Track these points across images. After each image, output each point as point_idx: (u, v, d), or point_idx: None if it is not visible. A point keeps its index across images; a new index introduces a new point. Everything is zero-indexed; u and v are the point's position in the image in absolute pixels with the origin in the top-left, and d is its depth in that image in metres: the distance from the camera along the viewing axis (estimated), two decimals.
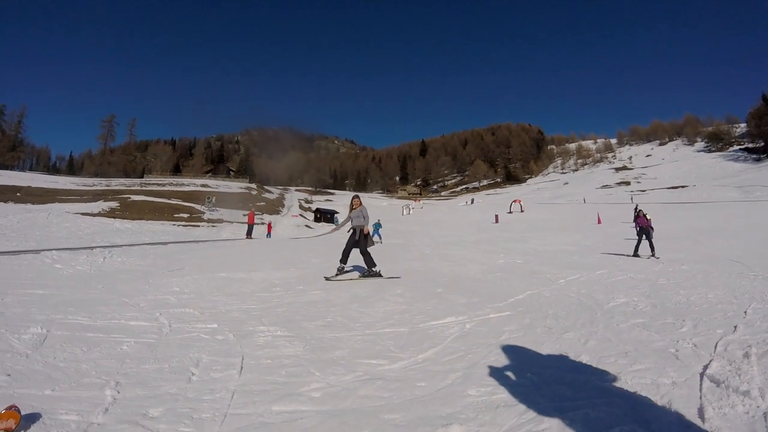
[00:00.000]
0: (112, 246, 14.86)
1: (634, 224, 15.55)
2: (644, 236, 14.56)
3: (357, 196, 10.31)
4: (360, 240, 9.63)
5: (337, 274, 9.36)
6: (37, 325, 4.29)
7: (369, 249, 9.73)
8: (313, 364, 3.63)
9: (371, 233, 23.79)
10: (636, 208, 15.84)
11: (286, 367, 3.55)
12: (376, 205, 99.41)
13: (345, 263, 9.58)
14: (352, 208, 10.11)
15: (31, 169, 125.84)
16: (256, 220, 35.91)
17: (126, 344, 3.97)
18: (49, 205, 49.82)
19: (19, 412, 2.33)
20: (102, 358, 3.59)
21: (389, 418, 2.66)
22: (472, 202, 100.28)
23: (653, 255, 13.35)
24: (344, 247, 9.75)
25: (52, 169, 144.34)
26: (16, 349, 3.63)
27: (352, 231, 9.88)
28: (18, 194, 55.16)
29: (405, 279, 8.95)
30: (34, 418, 2.45)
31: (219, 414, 2.66)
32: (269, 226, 39.48)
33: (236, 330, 4.66)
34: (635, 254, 13.76)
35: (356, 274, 9.68)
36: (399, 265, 11.51)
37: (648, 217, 15.26)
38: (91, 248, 12.95)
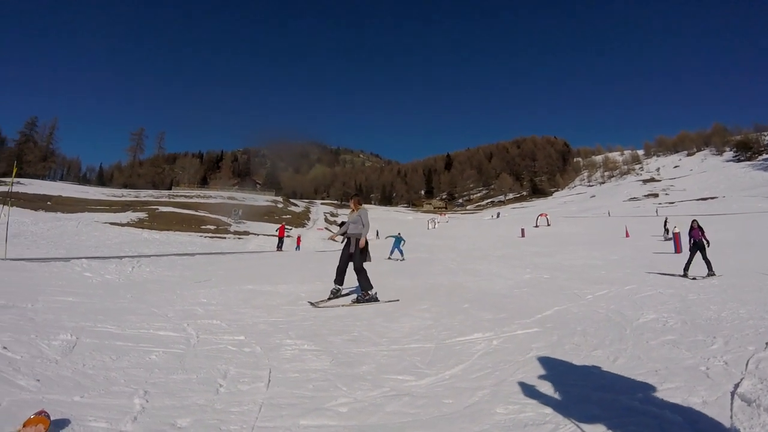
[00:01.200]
0: (141, 256, 15.14)
1: (687, 238, 13.24)
2: (698, 252, 12.61)
3: (356, 195, 8.91)
4: (355, 253, 8.21)
5: (329, 298, 8.04)
6: (66, 332, 4.36)
7: (366, 265, 8.34)
8: (339, 378, 3.62)
9: (392, 249, 22.77)
10: (691, 224, 13.15)
11: (313, 381, 3.54)
12: (401, 219, 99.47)
13: (340, 284, 8.29)
14: (351, 211, 8.65)
15: (62, 179, 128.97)
16: (286, 234, 36.87)
17: (154, 354, 4.01)
18: (79, 214, 51.09)
19: (49, 417, 2.36)
20: (131, 367, 3.63)
21: None
22: (498, 216, 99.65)
23: (711, 273, 11.69)
24: (338, 262, 8.40)
25: (83, 180, 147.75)
26: (45, 355, 3.68)
27: (346, 241, 8.40)
28: (49, 203, 56.63)
29: (431, 294, 8.84)
30: (63, 423, 2.48)
31: (247, 426, 2.66)
32: (298, 239, 40.80)
33: (263, 343, 4.68)
34: (685, 273, 11.79)
35: (353, 297, 8.21)
36: (424, 280, 11.44)
37: (700, 229, 13.06)
38: (120, 258, 13.19)
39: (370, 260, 8.80)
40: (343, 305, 7.47)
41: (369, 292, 7.98)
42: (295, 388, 3.36)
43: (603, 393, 3.13)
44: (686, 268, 12.07)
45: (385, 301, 7.89)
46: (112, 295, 7.19)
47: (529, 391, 3.27)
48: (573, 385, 3.33)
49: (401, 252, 23.00)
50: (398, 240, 23.69)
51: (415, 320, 6.17)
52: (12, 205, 14.52)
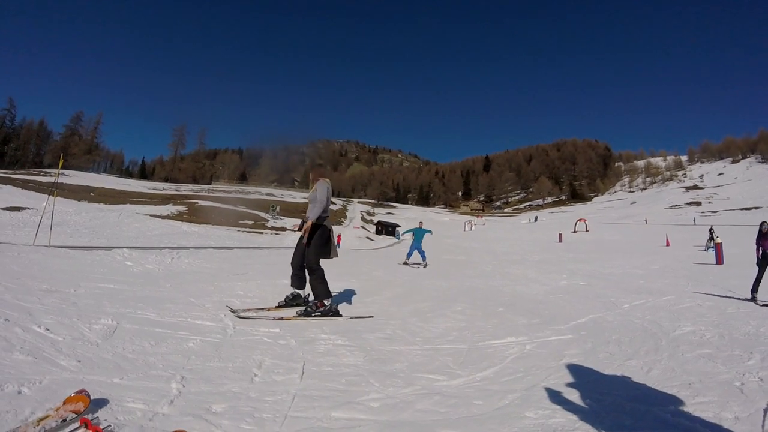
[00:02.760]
0: (180, 248, 15.43)
1: (755, 247, 10.15)
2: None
3: (318, 166, 6.55)
4: (307, 244, 6.17)
5: (280, 305, 6.27)
6: (107, 317, 4.48)
7: (325, 263, 6.33)
8: (372, 374, 3.65)
9: (410, 250, 17.90)
10: (761, 227, 10.23)
11: (346, 375, 3.59)
12: (438, 219, 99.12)
13: (299, 287, 6.38)
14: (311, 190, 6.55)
15: (105, 172, 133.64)
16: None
17: (192, 342, 4.11)
18: (120, 205, 52.49)
19: (89, 396, 2.43)
20: (169, 353, 3.72)
21: None
22: (536, 220, 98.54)
23: None
24: (292, 257, 6.44)
25: (125, 173, 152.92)
26: (87, 337, 3.80)
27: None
28: (92, 194, 58.41)
29: (466, 296, 8.72)
30: (102, 403, 2.56)
31: (279, 415, 2.71)
32: (338, 238, 41.10)
33: (298, 336, 4.75)
34: (753, 296, 8.93)
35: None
36: (460, 282, 11.40)
37: None
38: (160, 249, 13.48)
39: (334, 256, 6.46)
40: (282, 317, 5.68)
41: (324, 302, 6.01)
42: (328, 381, 3.41)
43: (635, 403, 3.08)
44: (755, 289, 9.15)
45: (351, 317, 6.09)
46: (152, 284, 7.37)
47: (560, 397, 3.24)
48: (605, 394, 3.29)
49: (423, 255, 17.06)
50: (419, 236, 17.54)
51: (449, 321, 6.16)
52: (57, 195, 15.00)
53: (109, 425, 2.29)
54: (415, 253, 17.48)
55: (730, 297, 9.16)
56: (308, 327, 5.25)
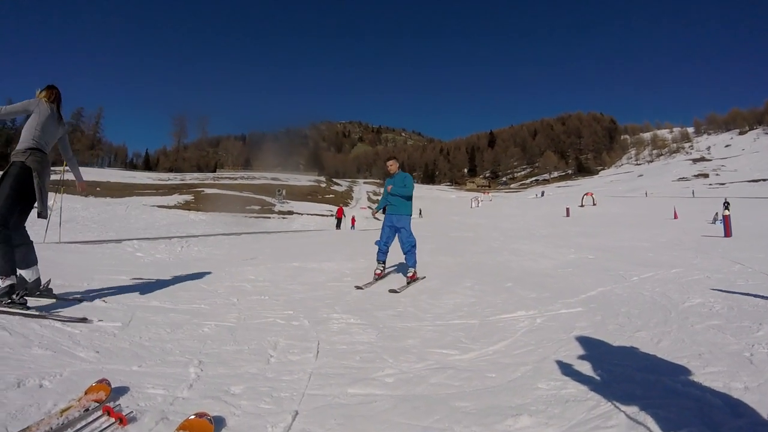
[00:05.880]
0: (189, 236, 15.56)
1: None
2: None
3: (54, 87, 4.88)
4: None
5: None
6: (122, 307, 4.57)
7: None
8: (386, 351, 3.70)
9: (382, 238, 7.97)
10: None
11: (360, 353, 3.64)
12: (444, 197, 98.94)
13: (14, 269, 4.26)
14: None
15: (109, 166, 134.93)
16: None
17: (207, 327, 4.17)
18: (127, 198, 52.94)
19: (110, 384, 2.48)
20: (185, 339, 3.79)
21: (460, 405, 2.67)
22: (542, 195, 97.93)
23: None
24: None
25: (130, 166, 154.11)
26: (103, 328, 3.87)
27: None
28: (98, 189, 58.72)
29: (474, 272, 8.74)
30: (123, 391, 2.61)
31: (297, 394, 2.76)
32: (353, 220, 44.53)
33: (311, 317, 4.81)
34: None
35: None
36: (468, 258, 11.40)
37: None
38: (169, 238, 13.61)
39: (44, 216, 4.78)
40: None
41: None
42: (342, 359, 3.46)
43: (645, 374, 3.11)
44: None
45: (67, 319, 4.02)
46: (164, 273, 7.44)
47: (571, 368, 3.27)
48: (616, 365, 3.31)
49: (408, 253, 7.60)
50: (398, 210, 7.80)
51: (459, 297, 6.19)
52: (64, 192, 15.14)
53: (131, 411, 2.34)
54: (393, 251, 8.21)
55: (738, 269, 9.15)
56: (321, 308, 5.31)
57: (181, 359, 3.28)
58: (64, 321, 3.89)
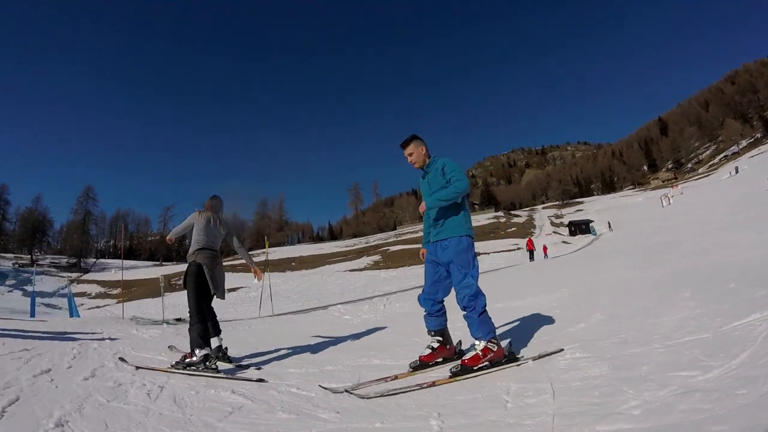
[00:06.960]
0: (387, 294, 16.33)
1: None
2: None
3: (213, 198, 6.28)
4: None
5: (186, 365, 5.16)
6: (346, 368, 5.01)
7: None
8: (622, 382, 3.53)
9: (425, 293, 5.35)
10: None
11: (596, 387, 3.52)
12: (630, 203, 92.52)
13: (207, 342, 5.31)
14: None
15: (298, 242, 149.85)
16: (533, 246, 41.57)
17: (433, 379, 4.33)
18: (320, 267, 57.45)
19: None
20: (416, 394, 3.95)
21: (717, 430, 2.47)
22: (737, 172, 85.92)
23: None
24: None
25: (317, 239, 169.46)
26: (334, 389, 4.17)
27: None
28: (293, 264, 64.61)
29: (689, 279, 8.00)
30: None
31: None
32: (545, 249, 44.26)
33: (533, 355, 4.77)
34: None
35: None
36: (676, 265, 10.52)
37: None
38: (371, 298, 14.41)
39: (220, 297, 5.81)
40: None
41: (196, 353, 5.16)
42: (581, 397, 3.37)
43: None
44: None
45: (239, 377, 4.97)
46: (375, 331, 7.93)
47: None
48: None
49: (470, 307, 4.81)
50: (443, 235, 4.83)
51: (681, 311, 5.69)
52: (270, 271, 17.08)
53: None
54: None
55: None
56: (535, 345, 5.27)
57: (419, 413, 3.42)
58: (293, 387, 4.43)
